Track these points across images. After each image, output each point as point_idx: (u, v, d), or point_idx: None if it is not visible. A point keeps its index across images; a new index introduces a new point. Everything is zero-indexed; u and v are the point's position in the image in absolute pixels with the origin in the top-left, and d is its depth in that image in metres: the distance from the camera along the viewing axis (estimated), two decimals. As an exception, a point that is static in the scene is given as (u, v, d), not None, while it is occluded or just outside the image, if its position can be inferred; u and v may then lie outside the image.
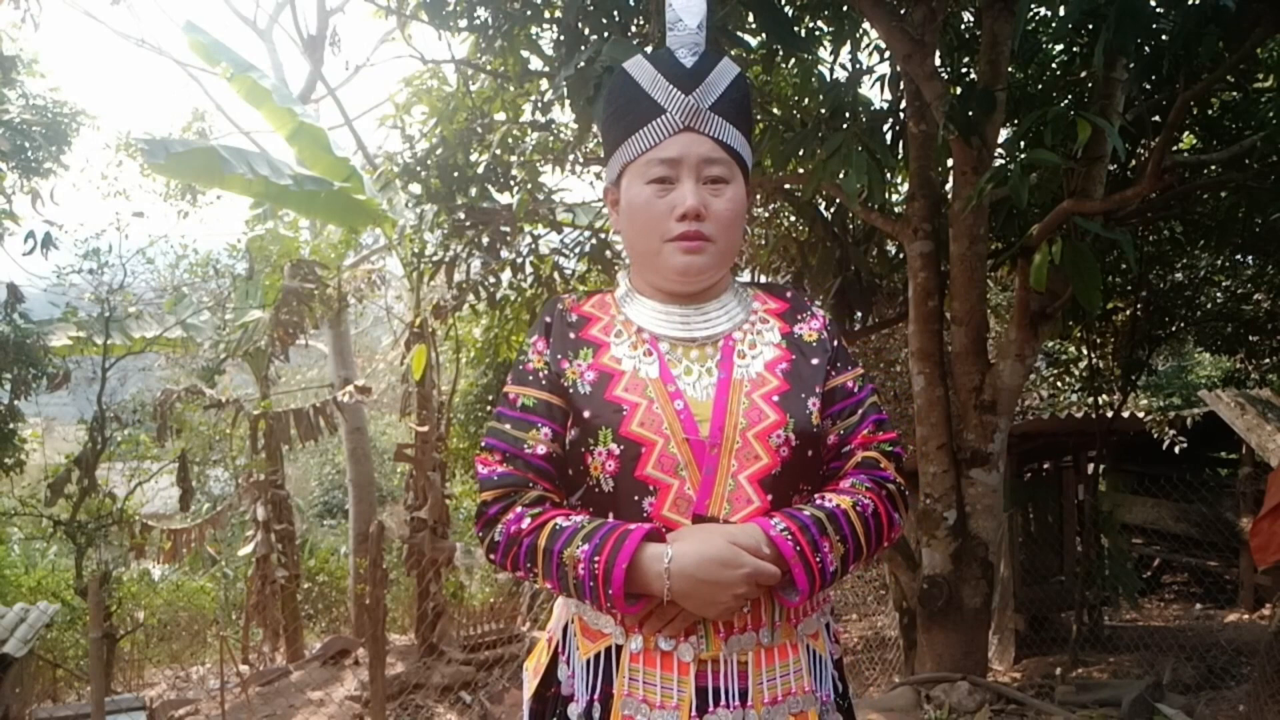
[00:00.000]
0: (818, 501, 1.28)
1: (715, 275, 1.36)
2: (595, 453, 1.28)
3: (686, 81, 1.30)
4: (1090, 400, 7.24)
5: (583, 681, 1.30)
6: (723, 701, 1.24)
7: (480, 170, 5.62)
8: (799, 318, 1.41)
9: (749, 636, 1.26)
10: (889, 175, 5.09)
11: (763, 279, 6.23)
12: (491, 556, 1.32)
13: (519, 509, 1.28)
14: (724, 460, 1.26)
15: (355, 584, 9.24)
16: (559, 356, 1.35)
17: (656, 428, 1.26)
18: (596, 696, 1.28)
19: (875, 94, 8.30)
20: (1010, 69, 4.48)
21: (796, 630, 1.30)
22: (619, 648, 1.28)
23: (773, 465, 1.26)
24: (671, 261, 1.32)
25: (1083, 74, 4.95)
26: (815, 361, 1.36)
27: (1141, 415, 7.96)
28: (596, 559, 1.20)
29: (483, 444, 1.36)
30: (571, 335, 1.37)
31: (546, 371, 1.35)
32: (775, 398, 1.30)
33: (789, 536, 1.21)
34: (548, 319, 1.40)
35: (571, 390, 1.32)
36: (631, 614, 1.23)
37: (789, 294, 1.45)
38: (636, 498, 1.26)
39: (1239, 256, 6.67)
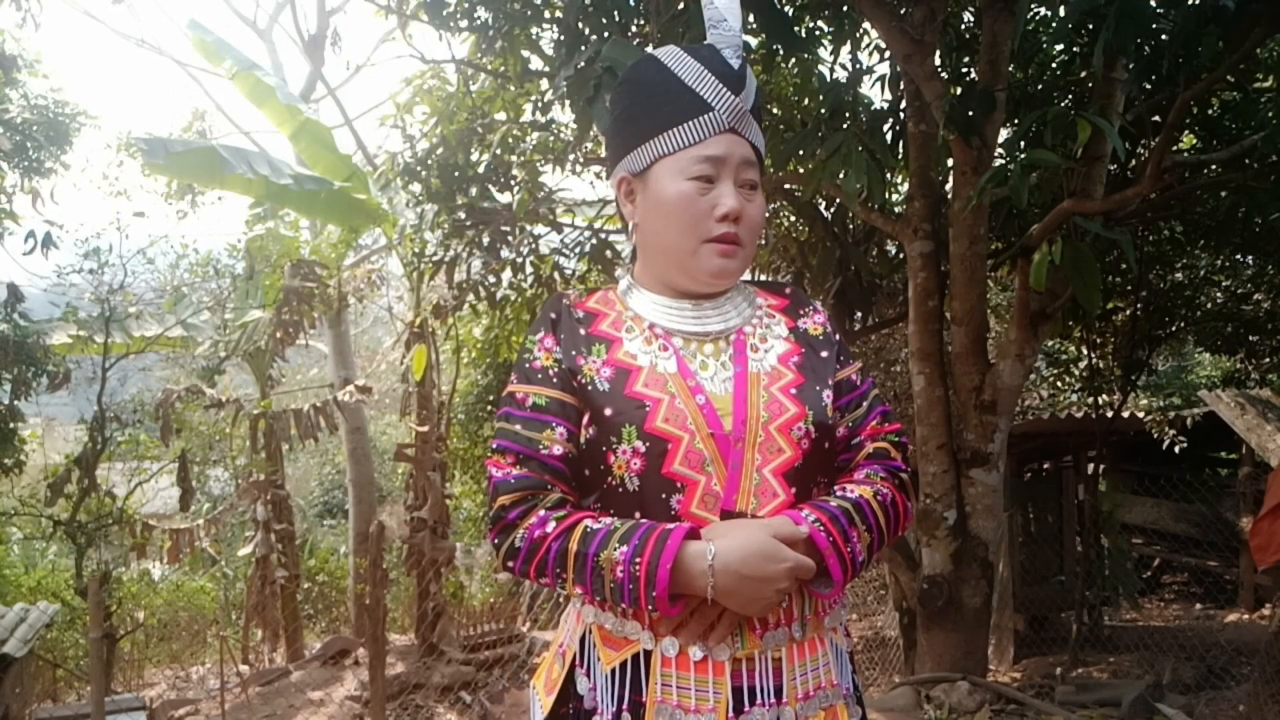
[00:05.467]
0: (840, 492, 1.29)
1: (739, 279, 1.38)
2: (619, 451, 1.24)
3: (735, 83, 1.29)
4: (1090, 400, 7.24)
5: (606, 693, 1.25)
6: (759, 700, 1.22)
7: (480, 170, 5.62)
8: (801, 313, 1.41)
9: (782, 632, 1.25)
10: (889, 175, 5.10)
11: (762, 279, 6.23)
12: (510, 564, 1.26)
13: (542, 513, 1.24)
14: (748, 454, 1.25)
15: (355, 584, 9.23)
16: (573, 353, 1.31)
17: (681, 423, 1.24)
18: (625, 706, 1.23)
19: (875, 94, 8.30)
20: (1010, 69, 4.48)
21: (823, 623, 1.30)
22: (648, 654, 1.24)
23: (795, 458, 1.26)
24: (707, 263, 1.30)
25: (1083, 74, 4.95)
26: (824, 354, 1.37)
27: (1141, 415, 7.96)
28: (637, 560, 1.16)
29: (494, 446, 1.31)
30: (582, 331, 1.33)
31: (557, 369, 1.30)
32: (793, 390, 1.30)
33: (821, 528, 1.21)
34: (553, 315, 1.35)
35: (590, 388, 1.28)
36: (672, 615, 1.19)
37: (788, 290, 1.45)
38: (664, 495, 1.23)
39: (1239, 256, 6.67)
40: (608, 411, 1.25)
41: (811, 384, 1.32)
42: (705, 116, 1.28)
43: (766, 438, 1.25)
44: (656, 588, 1.14)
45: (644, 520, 1.22)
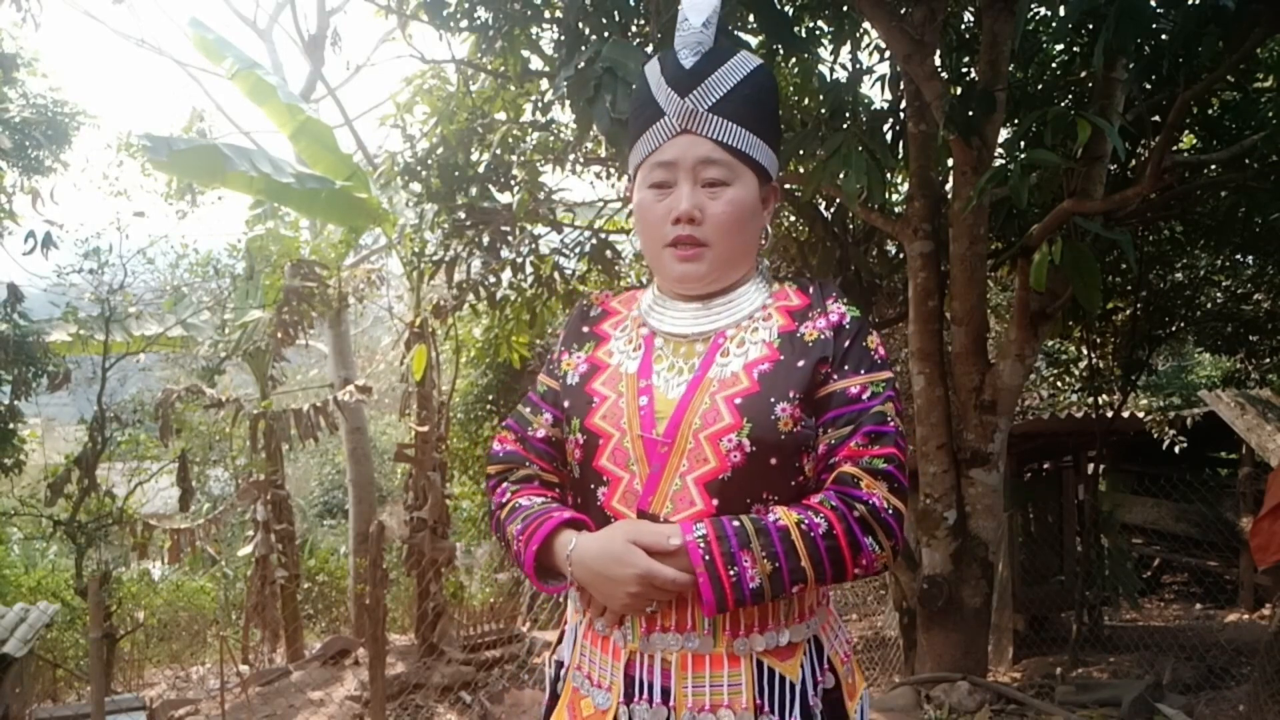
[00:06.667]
0: (762, 514, 1.22)
1: (717, 280, 1.33)
2: (569, 441, 1.36)
3: (684, 83, 1.28)
4: (1090, 400, 7.24)
5: (567, 647, 1.41)
6: (644, 694, 1.26)
7: (480, 170, 5.62)
8: (810, 315, 1.31)
9: (673, 637, 1.26)
10: (889, 175, 5.09)
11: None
12: (494, 524, 1.44)
13: (505, 484, 1.40)
14: (674, 460, 1.25)
15: (355, 584, 9.23)
16: (562, 348, 1.43)
17: (615, 422, 1.30)
18: (568, 663, 1.39)
19: (875, 94, 8.30)
20: (1010, 69, 4.48)
21: (735, 642, 1.25)
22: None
23: (721, 470, 1.23)
24: (669, 268, 1.32)
25: (1083, 74, 4.95)
26: (801, 364, 1.26)
27: (1141, 415, 7.96)
28: (520, 539, 1.31)
29: (503, 425, 1.47)
30: (585, 329, 1.43)
31: (559, 362, 1.44)
32: (738, 400, 1.24)
33: (702, 544, 1.18)
34: (574, 313, 1.48)
35: (562, 381, 1.40)
36: (549, 593, 1.37)
37: (811, 289, 1.36)
38: (593, 486, 1.31)
39: (1239, 256, 6.67)
40: (565, 404, 1.38)
41: (765, 395, 1.24)
42: (659, 123, 1.30)
43: (696, 446, 1.24)
44: (525, 565, 1.31)
45: (551, 506, 1.34)
